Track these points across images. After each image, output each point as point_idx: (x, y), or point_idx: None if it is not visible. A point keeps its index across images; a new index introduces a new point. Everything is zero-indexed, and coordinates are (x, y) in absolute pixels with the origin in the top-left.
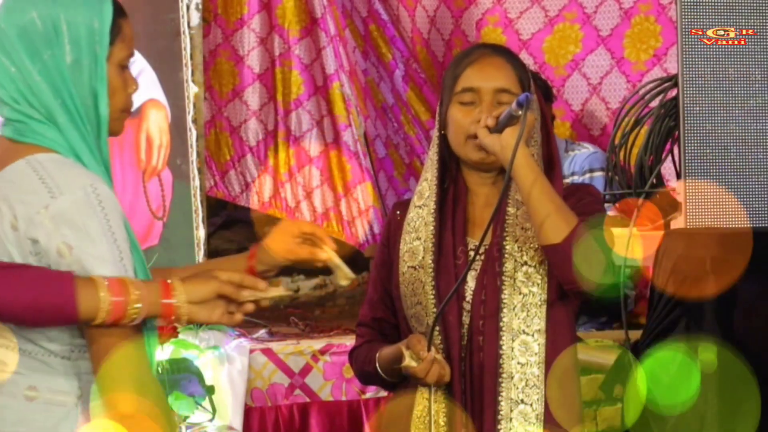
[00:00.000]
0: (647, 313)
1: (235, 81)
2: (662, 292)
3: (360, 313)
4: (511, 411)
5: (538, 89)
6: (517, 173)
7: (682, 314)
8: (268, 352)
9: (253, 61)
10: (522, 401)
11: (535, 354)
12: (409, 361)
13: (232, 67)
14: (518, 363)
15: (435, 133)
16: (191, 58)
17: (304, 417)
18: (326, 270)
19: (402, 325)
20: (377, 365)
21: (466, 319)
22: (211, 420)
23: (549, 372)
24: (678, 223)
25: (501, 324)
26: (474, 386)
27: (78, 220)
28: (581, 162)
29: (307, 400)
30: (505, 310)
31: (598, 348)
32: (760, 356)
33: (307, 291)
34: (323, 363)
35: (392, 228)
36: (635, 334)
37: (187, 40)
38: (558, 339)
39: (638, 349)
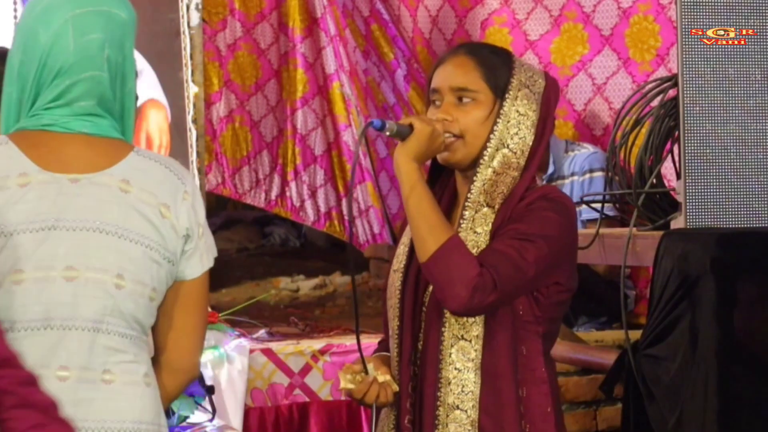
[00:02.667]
0: (647, 313)
1: (257, 74)
2: (662, 292)
3: None
4: (447, 416)
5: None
6: (400, 187)
7: (682, 314)
8: (267, 352)
9: (273, 55)
10: (457, 407)
11: (472, 360)
12: (345, 384)
13: (255, 60)
14: (455, 368)
15: None
16: (191, 58)
17: (304, 417)
18: (326, 270)
19: None
20: None
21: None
22: (211, 420)
23: (484, 378)
24: (678, 223)
25: (443, 329)
26: (421, 391)
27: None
28: (581, 162)
29: (307, 399)
30: (447, 315)
31: (598, 348)
32: (760, 356)
33: (307, 291)
34: (323, 363)
35: (399, 236)
36: (635, 334)
37: (187, 40)
38: (495, 345)
39: (638, 349)
